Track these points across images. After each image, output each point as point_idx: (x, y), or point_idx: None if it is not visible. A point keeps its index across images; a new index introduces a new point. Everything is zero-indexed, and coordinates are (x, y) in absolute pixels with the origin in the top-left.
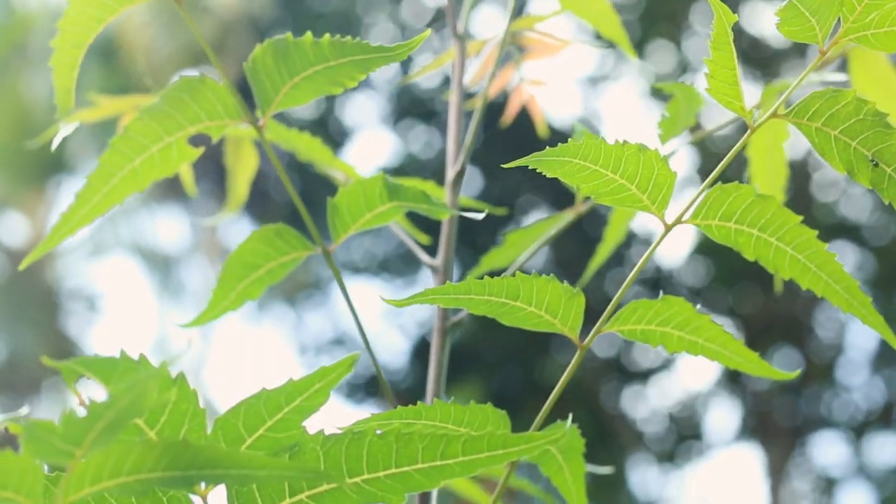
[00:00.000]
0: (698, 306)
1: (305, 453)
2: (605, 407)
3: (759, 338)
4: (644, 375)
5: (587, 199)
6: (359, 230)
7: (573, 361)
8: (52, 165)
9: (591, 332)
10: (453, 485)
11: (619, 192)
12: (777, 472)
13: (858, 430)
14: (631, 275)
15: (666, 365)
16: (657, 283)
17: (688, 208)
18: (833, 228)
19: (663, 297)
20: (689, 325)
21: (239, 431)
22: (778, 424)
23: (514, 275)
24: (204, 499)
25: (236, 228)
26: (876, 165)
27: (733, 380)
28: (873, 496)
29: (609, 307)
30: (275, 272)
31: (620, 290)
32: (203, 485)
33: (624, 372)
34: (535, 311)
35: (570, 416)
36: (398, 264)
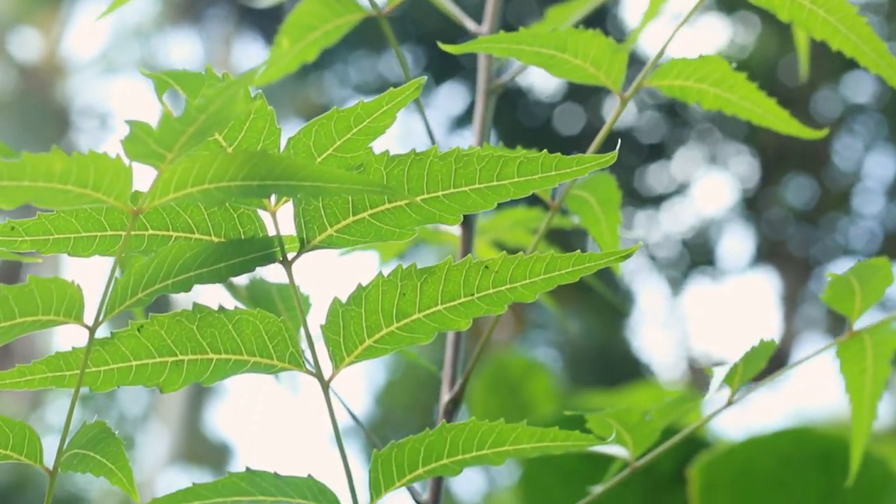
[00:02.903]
0: (734, 64)
1: (370, 173)
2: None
3: (775, 166)
4: (657, 200)
5: None
6: None
7: (615, 111)
8: None
9: (633, 85)
10: (482, 253)
11: None
12: (791, 300)
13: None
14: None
15: (680, 190)
16: (672, 107)
17: None
18: None
19: (701, 55)
20: (724, 83)
21: (310, 150)
22: (792, 252)
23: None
24: (273, 215)
25: (251, 49)
26: None
27: (748, 206)
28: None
29: (649, 63)
30: (330, 34)
31: (662, 46)
32: (273, 200)
33: (637, 196)
34: (581, 63)
35: (618, 147)
36: None
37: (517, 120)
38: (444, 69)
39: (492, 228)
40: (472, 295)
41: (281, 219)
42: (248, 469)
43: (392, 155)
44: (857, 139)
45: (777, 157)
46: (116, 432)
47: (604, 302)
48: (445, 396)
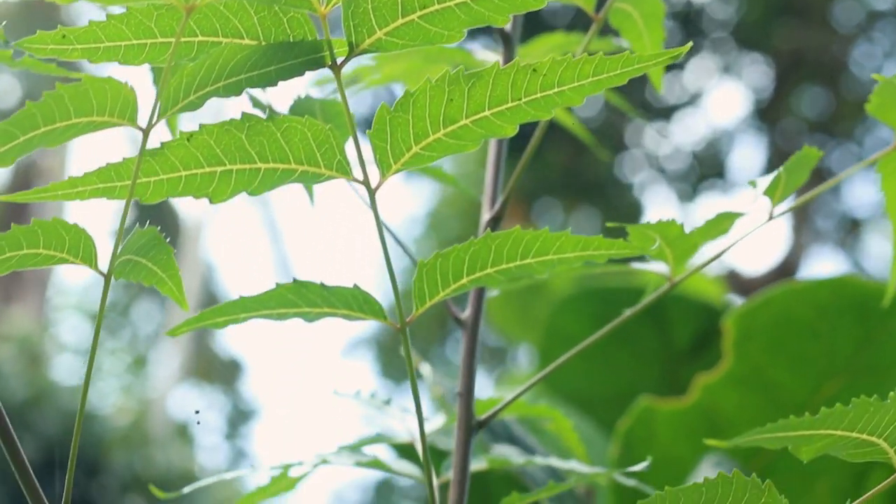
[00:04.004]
0: None
1: None
2: (629, 144)
3: (790, 76)
4: (668, 112)
5: None
6: None
7: None
8: None
9: None
10: None
11: None
12: (800, 213)
13: None
14: None
15: (691, 101)
16: (688, 16)
17: None
18: None
19: None
20: None
21: None
22: None
23: None
24: (323, 19)
25: None
26: None
27: (762, 117)
28: None
29: None
30: None
31: None
32: (323, 0)
33: (649, 109)
34: None
35: None
36: None
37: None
38: None
39: (530, 54)
40: (520, 99)
41: (330, 24)
42: (295, 280)
43: None
44: (876, 46)
45: (792, 66)
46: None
47: (613, 208)
48: (486, 215)
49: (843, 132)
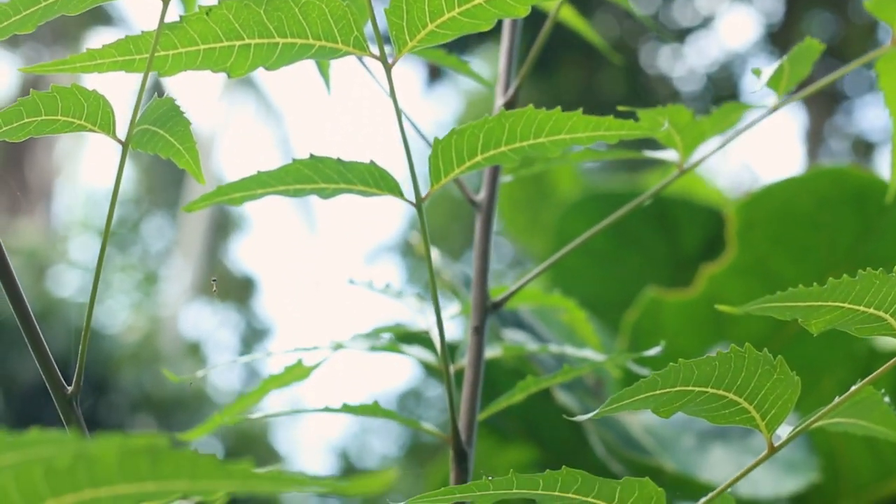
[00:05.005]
0: None
1: None
2: (643, 65)
3: (799, 1)
4: (682, 34)
5: None
6: None
7: None
8: None
9: None
10: None
11: None
12: (816, 134)
13: None
14: None
15: (705, 24)
16: None
17: None
18: None
19: None
20: None
21: None
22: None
23: None
24: None
25: None
26: None
27: (773, 41)
28: None
29: None
30: None
31: None
32: None
33: (662, 30)
34: None
35: None
36: None
37: None
38: None
39: None
40: None
41: None
42: (311, 155)
43: None
44: None
45: None
46: None
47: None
48: (499, 101)
49: (853, 56)
